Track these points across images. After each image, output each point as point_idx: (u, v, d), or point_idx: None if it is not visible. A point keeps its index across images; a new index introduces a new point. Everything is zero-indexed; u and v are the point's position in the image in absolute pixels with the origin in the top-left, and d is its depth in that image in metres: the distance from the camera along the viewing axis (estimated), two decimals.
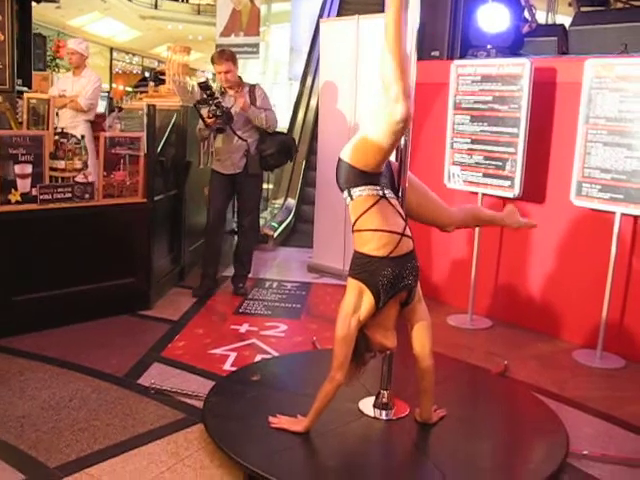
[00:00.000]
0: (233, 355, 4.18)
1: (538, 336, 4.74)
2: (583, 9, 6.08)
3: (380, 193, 2.91)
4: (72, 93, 6.17)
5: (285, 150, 5.40)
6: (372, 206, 2.89)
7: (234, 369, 3.93)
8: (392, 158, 3.11)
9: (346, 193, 2.96)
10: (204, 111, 5.09)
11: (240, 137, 5.22)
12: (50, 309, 4.40)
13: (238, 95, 5.19)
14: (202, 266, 5.58)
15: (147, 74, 19.42)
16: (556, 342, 4.68)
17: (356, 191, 2.92)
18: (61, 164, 4.62)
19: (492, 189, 4.79)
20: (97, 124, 6.31)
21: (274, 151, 5.28)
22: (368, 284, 2.86)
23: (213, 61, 5.25)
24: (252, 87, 5.35)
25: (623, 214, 4.18)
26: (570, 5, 6.98)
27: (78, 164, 4.71)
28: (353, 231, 2.96)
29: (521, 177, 4.60)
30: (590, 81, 4.26)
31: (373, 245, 2.88)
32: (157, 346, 4.29)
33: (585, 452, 3.13)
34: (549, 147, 4.73)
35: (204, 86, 5.07)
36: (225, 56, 5.20)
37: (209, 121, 5.09)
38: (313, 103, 9.45)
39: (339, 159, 2.98)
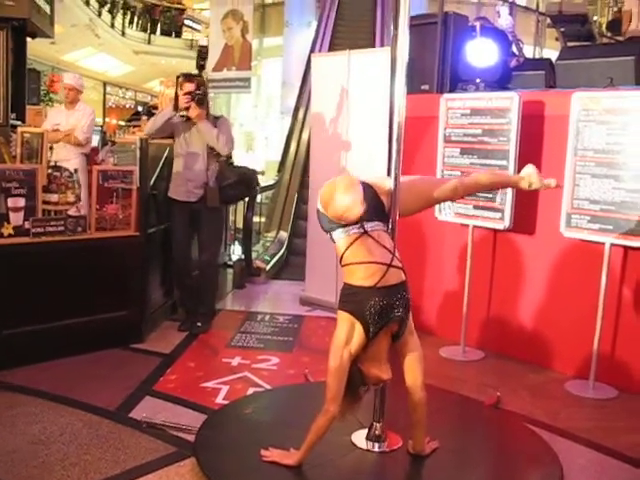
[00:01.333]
0: (225, 388, 4.16)
1: (530, 367, 4.74)
2: (570, 44, 6.19)
3: (360, 231, 2.96)
4: (67, 126, 6.21)
5: (246, 181, 5.33)
6: (353, 242, 2.95)
7: (226, 402, 3.91)
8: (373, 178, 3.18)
9: (328, 236, 3.06)
10: (187, 86, 4.99)
11: (196, 156, 5.10)
12: (42, 342, 4.38)
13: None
14: (179, 301, 5.53)
15: (140, 108, 19.51)
16: (548, 373, 4.68)
17: (336, 233, 3.01)
18: (54, 197, 4.64)
19: (482, 221, 4.82)
20: (90, 157, 6.35)
21: (233, 181, 5.17)
22: (356, 315, 2.88)
23: (181, 81, 5.09)
24: (216, 117, 5.28)
25: (613, 244, 4.22)
26: (557, 40, 7.11)
27: (71, 197, 4.73)
28: (341, 266, 3.02)
29: (511, 209, 4.64)
30: (577, 114, 4.33)
31: (360, 275, 2.91)
32: (149, 379, 4.27)
33: None
34: None
35: (204, 51, 5.01)
36: (195, 79, 5.12)
37: (184, 99, 4.95)
38: (305, 136, 9.54)
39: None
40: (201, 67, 5.01)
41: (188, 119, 5.05)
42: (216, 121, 5.19)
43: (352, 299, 2.91)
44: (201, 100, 4.98)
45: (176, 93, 5.03)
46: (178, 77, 5.09)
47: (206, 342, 5.13)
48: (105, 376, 4.29)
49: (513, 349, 4.95)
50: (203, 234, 5.33)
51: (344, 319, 2.91)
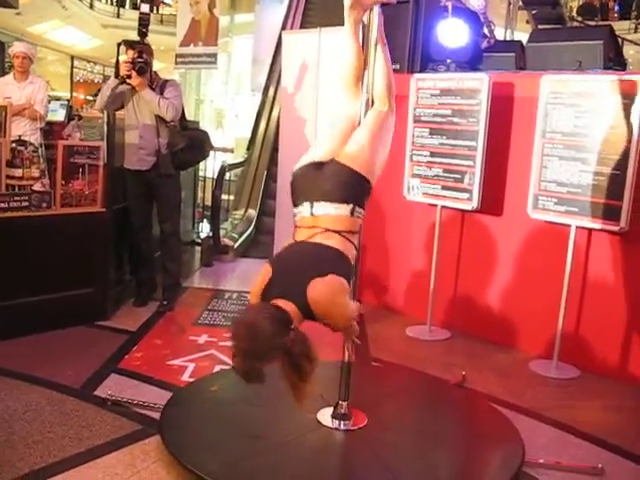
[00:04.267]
0: (192, 366, 4.15)
1: (496, 347, 4.80)
2: (540, 26, 6.20)
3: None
4: (21, 100, 6.01)
5: (197, 145, 5.22)
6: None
7: (192, 380, 3.91)
8: None
9: (347, 208, 2.84)
10: (129, 53, 4.88)
11: (146, 123, 5.02)
12: (5, 319, 4.31)
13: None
14: (133, 273, 5.51)
15: None
16: (513, 353, 4.74)
17: (360, 211, 2.89)
18: (18, 172, 4.57)
19: (451, 201, 4.84)
20: (56, 132, 6.23)
21: (184, 146, 5.06)
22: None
23: (123, 49, 5.02)
24: (165, 81, 5.16)
25: (578, 227, 4.27)
26: (528, 22, 7.13)
27: (36, 172, 4.65)
28: (337, 232, 2.80)
29: (479, 190, 4.67)
30: (546, 96, 4.35)
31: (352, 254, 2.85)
32: (114, 357, 4.24)
33: (540, 461, 3.18)
34: (507, 160, 4.81)
35: (145, 18, 4.92)
36: (138, 46, 4.98)
37: (125, 66, 4.85)
38: (275, 114, 9.46)
39: (338, 164, 2.88)
40: (143, 35, 4.89)
41: (133, 87, 4.96)
42: (165, 85, 5.10)
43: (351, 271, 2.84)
44: (142, 69, 4.86)
45: (117, 60, 4.93)
46: (119, 44, 4.99)
47: (173, 320, 5.10)
48: (70, 354, 4.24)
49: (479, 329, 5.00)
50: (161, 203, 5.28)
51: (348, 290, 2.75)
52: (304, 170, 2.97)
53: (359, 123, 3.05)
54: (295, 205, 2.96)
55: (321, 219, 2.83)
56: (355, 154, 2.90)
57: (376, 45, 3.06)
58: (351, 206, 2.83)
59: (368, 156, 2.93)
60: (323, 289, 2.57)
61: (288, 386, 2.64)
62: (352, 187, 2.87)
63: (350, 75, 3.05)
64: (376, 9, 3.02)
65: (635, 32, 13.95)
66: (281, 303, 2.58)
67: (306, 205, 2.88)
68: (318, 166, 2.93)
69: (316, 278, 2.58)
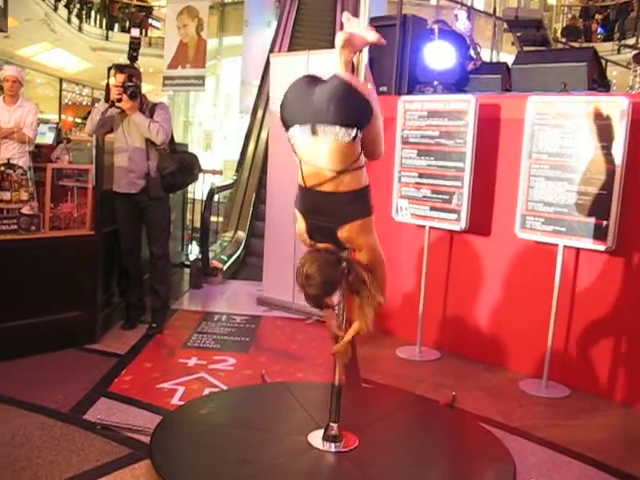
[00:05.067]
0: (181, 389, 4.12)
1: (485, 367, 4.81)
2: (525, 48, 6.27)
3: None
4: (10, 123, 6.03)
5: (187, 167, 5.23)
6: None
7: (182, 403, 3.88)
8: None
9: (351, 134, 2.83)
10: (119, 77, 4.86)
11: (136, 147, 5.02)
12: None
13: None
14: (122, 296, 5.49)
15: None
16: (503, 372, 4.74)
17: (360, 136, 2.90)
18: (6, 195, 4.55)
19: (439, 222, 4.87)
20: (45, 155, 6.22)
21: (174, 169, 5.08)
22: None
23: (113, 73, 4.97)
24: (155, 104, 5.17)
25: (565, 246, 4.30)
26: (513, 44, 7.20)
27: (24, 195, 4.63)
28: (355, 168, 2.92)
29: (467, 210, 4.70)
30: (532, 117, 4.40)
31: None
32: (104, 380, 4.21)
33: None
34: (494, 181, 4.85)
35: (135, 42, 4.92)
36: (127, 71, 4.97)
37: (115, 90, 4.84)
38: (263, 136, 9.51)
39: (348, 85, 2.87)
40: (133, 58, 4.90)
41: (122, 111, 4.97)
42: (155, 108, 5.11)
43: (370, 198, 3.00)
44: (133, 93, 4.87)
45: (107, 84, 4.93)
46: (110, 68, 5.00)
47: (162, 342, 5.08)
48: (59, 378, 4.22)
49: (469, 349, 5.01)
50: (150, 226, 5.27)
51: (372, 222, 2.99)
52: (298, 87, 2.99)
53: None
54: (289, 126, 2.98)
55: (324, 150, 2.87)
56: (355, 78, 2.97)
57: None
58: (355, 131, 2.84)
59: (369, 91, 2.99)
60: (350, 234, 2.91)
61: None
62: (356, 108, 2.87)
63: None
64: (364, 50, 3.12)
65: (618, 53, 14.12)
66: (324, 246, 2.95)
67: (305, 127, 2.90)
68: (315, 81, 2.95)
69: (342, 226, 2.89)
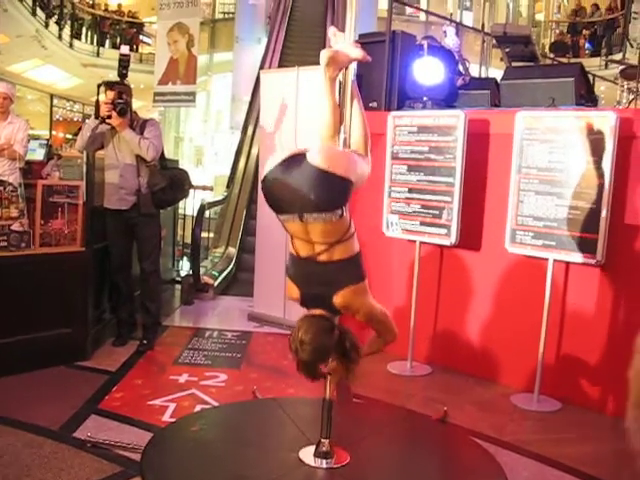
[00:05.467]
0: (172, 406, 4.11)
1: (477, 381, 4.81)
2: (514, 64, 6.33)
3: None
4: (0, 140, 6.03)
5: (177, 184, 5.24)
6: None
7: (173, 420, 3.87)
8: None
9: (337, 214, 2.86)
10: (108, 94, 4.86)
11: (126, 163, 5.02)
12: None
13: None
14: (113, 312, 5.48)
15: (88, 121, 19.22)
16: (494, 387, 4.75)
17: (346, 208, 2.94)
18: None
19: (429, 237, 4.88)
20: (35, 171, 6.21)
21: (165, 185, 5.08)
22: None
23: (103, 89, 4.96)
24: (145, 121, 5.18)
25: (555, 260, 4.32)
26: (501, 60, 7.27)
27: (14, 212, 4.63)
28: (346, 239, 2.94)
29: (457, 225, 4.71)
30: (521, 132, 4.43)
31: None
32: (94, 398, 4.19)
33: None
34: (484, 196, 4.87)
35: (125, 59, 4.94)
36: (118, 87, 4.96)
37: (105, 107, 4.83)
38: (254, 152, 9.54)
39: (324, 173, 2.81)
40: (123, 75, 4.92)
41: (113, 127, 4.97)
42: (145, 124, 5.12)
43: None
44: (123, 110, 4.87)
45: (97, 101, 4.92)
46: (99, 85, 5.01)
47: (153, 359, 5.06)
48: (48, 395, 4.19)
49: (460, 364, 5.01)
50: (141, 242, 5.26)
51: (366, 285, 3.05)
52: (277, 175, 2.91)
53: None
54: (278, 213, 2.98)
55: (315, 230, 2.88)
56: (333, 154, 2.94)
57: (352, 100, 3.15)
58: (340, 210, 2.87)
59: (348, 154, 3.01)
60: (345, 300, 2.94)
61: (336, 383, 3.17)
62: (338, 192, 2.88)
63: (327, 130, 3.10)
64: (351, 66, 3.13)
65: (606, 68, 14.24)
66: (319, 312, 2.98)
67: (292, 216, 2.90)
68: (291, 167, 2.87)
69: (337, 293, 2.92)
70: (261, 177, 3.06)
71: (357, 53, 3.09)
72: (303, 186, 2.81)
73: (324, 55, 3.00)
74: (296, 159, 2.88)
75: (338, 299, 2.93)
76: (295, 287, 3.05)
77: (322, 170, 2.81)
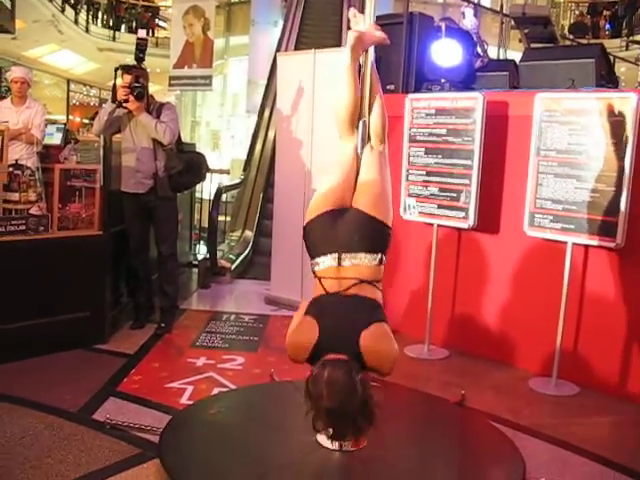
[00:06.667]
0: (190, 389, 4.13)
1: (494, 365, 4.79)
2: (533, 45, 6.25)
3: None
4: (18, 124, 6.04)
5: (194, 167, 5.24)
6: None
7: (191, 403, 3.89)
8: None
9: (376, 258, 2.96)
10: (125, 78, 4.87)
11: (143, 146, 5.04)
12: (2, 344, 4.30)
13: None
14: (131, 296, 5.51)
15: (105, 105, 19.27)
16: (512, 370, 4.73)
17: (385, 259, 3.01)
18: (15, 196, 4.58)
19: (447, 220, 4.85)
20: (53, 156, 6.24)
21: (182, 169, 5.08)
22: None
23: (120, 73, 4.97)
24: (161, 104, 5.17)
25: (574, 244, 4.28)
26: (520, 41, 7.18)
27: (32, 196, 4.66)
28: (368, 283, 2.95)
29: (475, 208, 4.68)
30: (540, 114, 4.38)
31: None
32: (112, 380, 4.22)
33: (542, 479, 3.16)
34: (502, 179, 4.83)
35: (142, 43, 4.92)
36: (135, 70, 4.97)
37: (122, 91, 4.84)
38: (271, 135, 9.50)
39: (361, 213, 2.97)
40: (140, 59, 4.92)
41: (130, 111, 4.98)
42: (162, 108, 5.11)
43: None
44: (140, 94, 4.87)
45: (114, 85, 4.93)
46: (117, 69, 5.01)
47: (171, 342, 5.09)
48: (67, 378, 4.23)
49: (477, 347, 4.99)
50: (158, 226, 5.28)
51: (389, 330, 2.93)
52: (322, 220, 3.00)
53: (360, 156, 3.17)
54: (315, 256, 3.01)
55: (350, 270, 2.92)
56: (374, 201, 3.00)
57: (371, 80, 3.16)
58: (380, 255, 2.95)
59: (386, 201, 3.06)
60: (374, 339, 2.80)
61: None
62: (379, 236, 2.99)
63: (345, 112, 3.13)
64: (370, 49, 3.18)
65: (626, 50, 14.05)
66: (338, 357, 2.77)
67: (331, 256, 2.94)
68: (336, 215, 2.99)
69: (364, 330, 2.78)
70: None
71: (380, 35, 3.11)
72: (348, 226, 2.96)
73: (351, 36, 3.02)
74: (342, 211, 3.00)
75: (367, 336, 2.79)
76: (316, 325, 2.87)
77: (368, 216, 2.95)
